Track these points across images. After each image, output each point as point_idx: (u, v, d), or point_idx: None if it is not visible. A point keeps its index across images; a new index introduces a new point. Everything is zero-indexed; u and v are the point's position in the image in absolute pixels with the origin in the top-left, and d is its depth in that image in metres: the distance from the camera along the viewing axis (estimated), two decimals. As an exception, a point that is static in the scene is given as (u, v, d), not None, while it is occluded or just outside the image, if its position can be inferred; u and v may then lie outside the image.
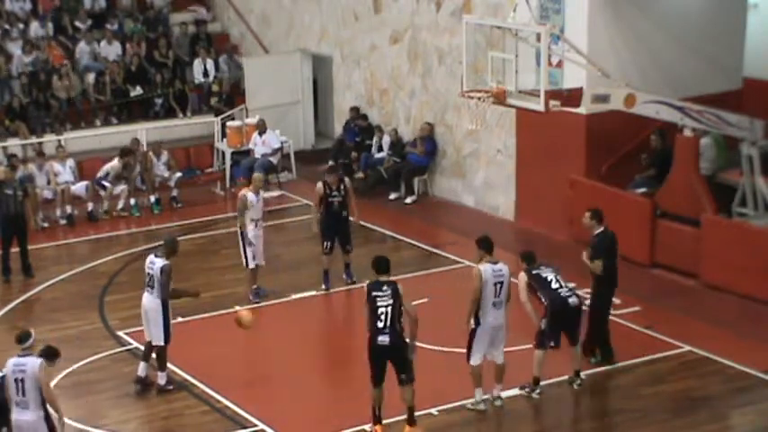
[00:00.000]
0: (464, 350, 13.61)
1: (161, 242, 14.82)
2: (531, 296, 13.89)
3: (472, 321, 13.41)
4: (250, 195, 17.13)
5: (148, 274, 14.29)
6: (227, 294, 17.69)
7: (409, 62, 22.98)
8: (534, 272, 14.00)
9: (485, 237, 13.77)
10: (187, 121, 25.62)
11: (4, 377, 11.71)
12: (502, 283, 13.35)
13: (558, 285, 13.89)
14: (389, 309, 12.67)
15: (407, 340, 12.88)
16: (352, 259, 17.94)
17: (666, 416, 13.64)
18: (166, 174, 22.65)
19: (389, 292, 12.75)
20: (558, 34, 17.12)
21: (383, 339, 12.69)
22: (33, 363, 11.52)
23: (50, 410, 11.77)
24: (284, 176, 23.99)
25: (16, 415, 11.57)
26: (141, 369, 14.54)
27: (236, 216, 17.59)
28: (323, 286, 17.70)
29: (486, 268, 13.34)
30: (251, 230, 17.09)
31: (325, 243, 17.59)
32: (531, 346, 14.04)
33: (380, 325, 12.67)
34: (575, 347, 14.06)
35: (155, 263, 14.27)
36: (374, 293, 12.75)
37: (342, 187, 17.54)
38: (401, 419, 13.21)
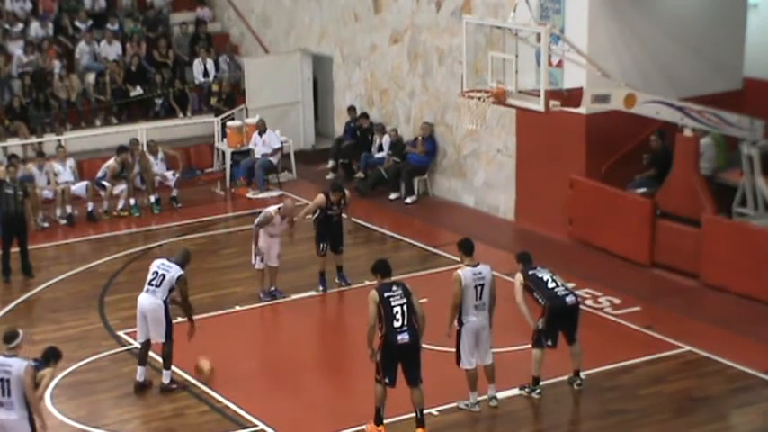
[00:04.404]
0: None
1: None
2: (527, 297, 13.90)
3: (456, 323, 13.45)
4: (277, 218, 17.13)
5: (157, 273, 14.29)
6: (228, 294, 17.72)
7: (409, 62, 22.98)
8: (530, 272, 13.99)
9: (465, 239, 13.80)
10: (187, 121, 25.63)
11: None
12: (482, 285, 13.36)
13: (554, 285, 13.88)
14: (404, 307, 12.72)
15: None
16: (346, 260, 17.99)
17: (666, 416, 13.64)
18: (165, 171, 22.65)
19: (400, 291, 12.81)
20: (558, 34, 17.11)
21: (403, 337, 12.69)
22: (19, 364, 11.41)
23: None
24: (284, 176, 23.98)
25: (0, 414, 11.48)
26: (140, 374, 14.52)
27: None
28: (320, 287, 17.72)
29: (465, 273, 13.35)
30: (263, 239, 17.15)
31: (320, 245, 17.61)
32: (529, 346, 14.04)
33: (398, 324, 12.68)
34: (573, 347, 14.03)
35: (171, 267, 14.31)
36: (386, 294, 12.75)
37: (342, 202, 17.57)
38: (400, 420, 13.24)
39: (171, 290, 14.23)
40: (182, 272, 14.30)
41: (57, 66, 25.42)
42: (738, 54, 20.14)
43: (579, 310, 14.10)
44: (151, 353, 14.62)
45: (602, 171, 19.17)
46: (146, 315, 14.35)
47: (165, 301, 14.22)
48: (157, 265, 14.44)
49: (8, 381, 11.38)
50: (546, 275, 13.97)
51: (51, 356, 12.13)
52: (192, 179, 23.95)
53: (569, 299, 13.88)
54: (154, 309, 14.26)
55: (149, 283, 14.32)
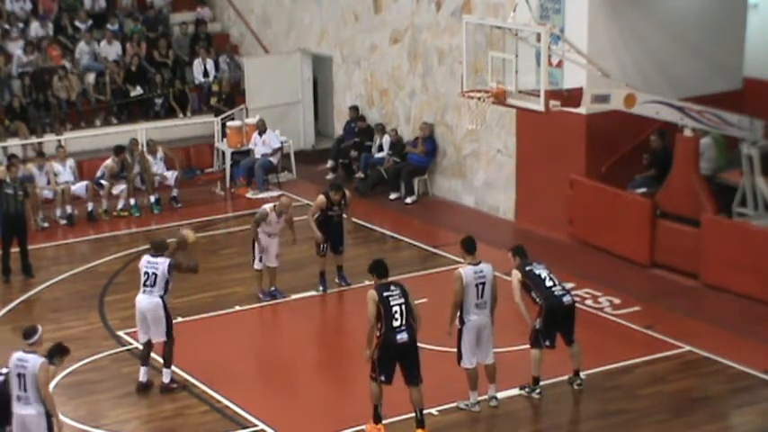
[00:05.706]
0: (464, 350, 13.63)
1: (150, 245, 14.87)
2: (524, 296, 13.88)
3: (457, 322, 13.45)
4: (273, 215, 17.15)
5: (148, 273, 14.30)
6: (228, 294, 17.72)
7: (409, 62, 22.98)
8: (527, 268, 13.96)
9: (468, 237, 13.79)
10: (187, 121, 25.63)
11: (8, 373, 11.75)
12: (484, 284, 13.36)
13: (551, 284, 13.87)
14: (402, 306, 12.76)
15: None
16: (346, 260, 18.00)
17: (666, 416, 13.64)
18: (165, 171, 22.65)
19: (398, 291, 12.85)
20: (558, 34, 17.11)
21: (402, 337, 12.73)
22: (35, 361, 11.58)
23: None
24: (284, 176, 23.99)
25: (18, 409, 11.66)
26: (143, 374, 14.53)
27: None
28: (320, 287, 17.71)
29: (466, 271, 13.35)
30: (262, 238, 17.16)
31: (320, 245, 17.60)
32: (527, 346, 14.03)
33: (396, 323, 12.71)
34: (572, 347, 14.02)
35: (158, 262, 14.31)
36: (385, 294, 12.79)
37: (342, 202, 17.56)
38: (400, 420, 13.24)
39: (167, 282, 14.26)
40: (168, 261, 14.32)
41: (65, 65, 25.39)
42: (738, 54, 20.14)
43: (575, 310, 14.09)
44: (152, 353, 14.64)
45: (602, 171, 19.17)
46: (145, 315, 14.37)
47: (162, 298, 14.24)
48: (145, 265, 14.44)
49: (24, 375, 11.55)
50: (543, 272, 13.95)
51: (56, 353, 12.15)
52: (192, 179, 23.95)
53: (566, 299, 13.87)
54: (152, 308, 14.28)
55: (144, 285, 14.35)
